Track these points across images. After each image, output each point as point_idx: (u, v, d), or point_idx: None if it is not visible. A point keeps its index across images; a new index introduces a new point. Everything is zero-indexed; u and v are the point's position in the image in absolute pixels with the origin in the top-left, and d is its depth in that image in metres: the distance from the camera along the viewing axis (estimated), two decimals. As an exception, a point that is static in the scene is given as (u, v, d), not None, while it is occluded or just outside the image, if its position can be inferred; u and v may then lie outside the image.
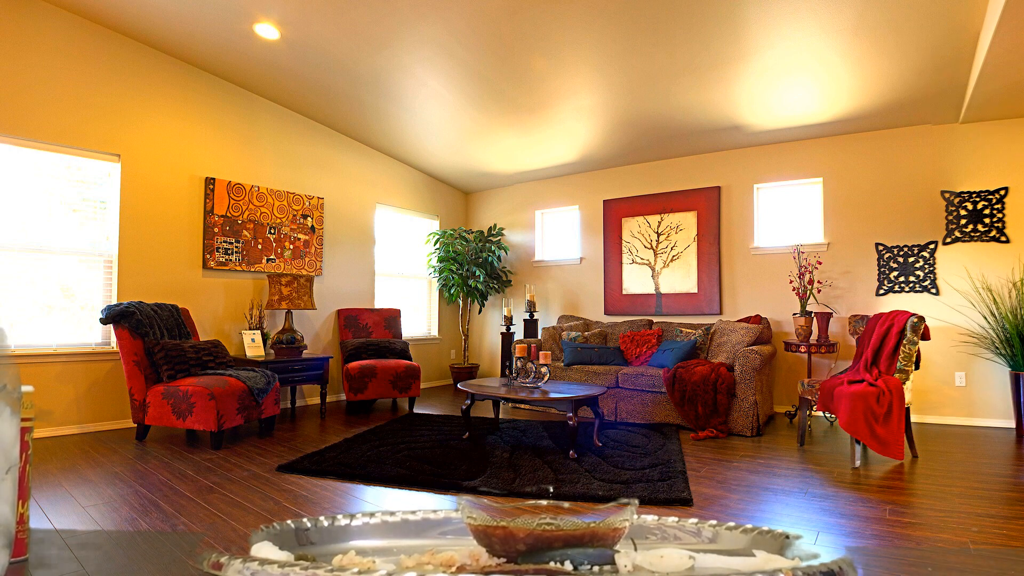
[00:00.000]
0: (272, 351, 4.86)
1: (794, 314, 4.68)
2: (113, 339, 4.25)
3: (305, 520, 0.34)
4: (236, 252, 4.95)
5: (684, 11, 3.49)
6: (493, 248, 6.75)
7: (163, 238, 4.52)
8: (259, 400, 3.88)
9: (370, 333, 5.71)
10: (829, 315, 4.57)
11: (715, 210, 5.56)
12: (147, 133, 4.45)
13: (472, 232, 6.80)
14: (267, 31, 4.05)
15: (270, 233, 5.21)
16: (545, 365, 3.92)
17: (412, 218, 6.83)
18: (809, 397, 3.69)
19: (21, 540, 0.37)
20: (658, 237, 5.91)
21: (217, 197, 4.82)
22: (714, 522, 0.33)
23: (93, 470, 3.11)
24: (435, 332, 7.02)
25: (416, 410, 5.11)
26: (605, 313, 6.23)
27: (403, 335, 6.16)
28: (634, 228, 6.07)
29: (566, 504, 0.32)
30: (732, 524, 0.32)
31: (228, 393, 3.65)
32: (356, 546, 0.33)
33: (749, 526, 0.32)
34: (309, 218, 5.53)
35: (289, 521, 0.34)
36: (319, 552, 0.32)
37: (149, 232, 4.44)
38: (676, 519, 0.33)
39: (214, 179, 4.80)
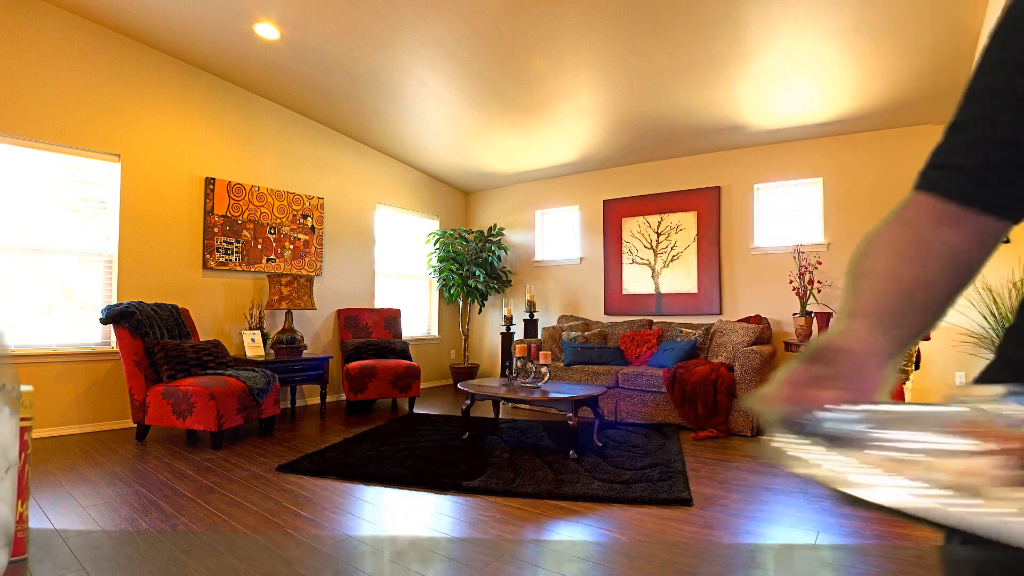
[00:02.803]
0: (272, 351, 4.85)
1: (794, 314, 4.68)
2: (113, 339, 4.25)
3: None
4: (236, 252, 4.95)
5: (684, 11, 3.49)
6: (493, 248, 6.74)
7: (163, 238, 4.52)
8: (259, 400, 3.88)
9: (370, 333, 5.71)
10: (829, 315, 4.57)
11: (715, 210, 5.56)
12: (147, 133, 4.45)
13: (472, 232, 6.80)
14: (267, 31, 4.05)
15: (270, 233, 5.21)
16: (545, 365, 3.91)
17: (412, 218, 6.83)
18: (809, 397, 3.68)
19: (20, 539, 0.37)
20: (658, 237, 5.91)
21: (217, 197, 4.81)
22: None
23: (93, 470, 3.11)
24: (435, 332, 7.02)
25: (416, 410, 5.11)
26: (605, 313, 6.22)
27: (403, 335, 6.16)
28: (634, 228, 6.07)
29: None
30: None
31: (228, 393, 3.65)
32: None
33: None
34: (309, 218, 5.53)
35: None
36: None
37: (149, 232, 4.44)
38: None
39: (214, 179, 4.80)
